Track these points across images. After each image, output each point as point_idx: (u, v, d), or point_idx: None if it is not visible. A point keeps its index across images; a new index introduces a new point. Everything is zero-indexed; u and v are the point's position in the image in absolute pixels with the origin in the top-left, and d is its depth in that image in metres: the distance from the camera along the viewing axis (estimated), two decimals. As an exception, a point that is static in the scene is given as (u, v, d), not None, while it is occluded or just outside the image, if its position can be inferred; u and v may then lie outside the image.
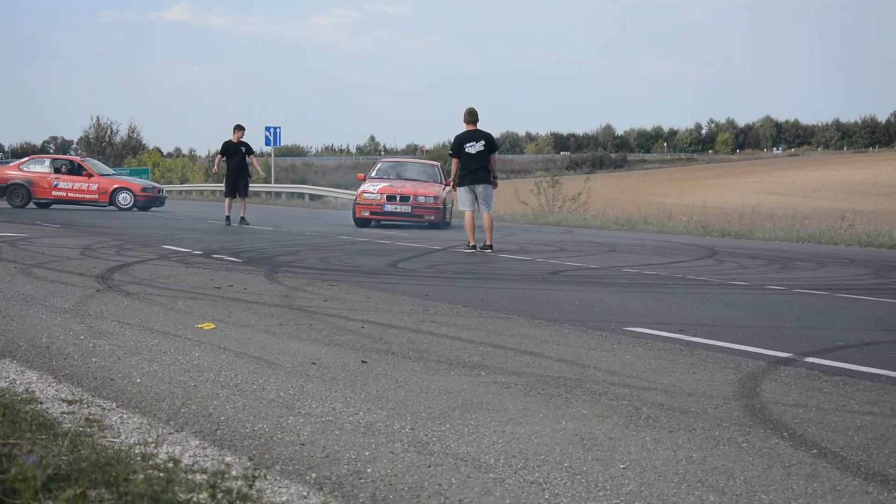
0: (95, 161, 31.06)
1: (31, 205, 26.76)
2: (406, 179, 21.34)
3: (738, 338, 6.32)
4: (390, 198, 20.03)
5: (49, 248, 12.01)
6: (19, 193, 26.77)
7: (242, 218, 19.71)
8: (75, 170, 27.30)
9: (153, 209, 27.58)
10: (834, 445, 3.86)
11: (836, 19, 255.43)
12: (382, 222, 20.73)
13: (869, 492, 3.32)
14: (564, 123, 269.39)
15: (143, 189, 27.79)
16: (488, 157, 13.62)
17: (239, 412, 4.21)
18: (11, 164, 28.52)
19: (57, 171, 27.06)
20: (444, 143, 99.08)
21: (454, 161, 13.70)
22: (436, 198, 20.23)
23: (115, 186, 27.28)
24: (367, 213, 20.25)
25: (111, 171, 30.63)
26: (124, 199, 26.95)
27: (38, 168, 27.25)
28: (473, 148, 13.54)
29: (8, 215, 21.80)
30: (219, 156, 20.12)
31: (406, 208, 20.05)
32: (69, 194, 26.88)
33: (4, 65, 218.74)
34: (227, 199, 20.17)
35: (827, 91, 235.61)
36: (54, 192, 26.84)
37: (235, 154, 19.82)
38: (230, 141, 19.84)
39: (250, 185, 21.82)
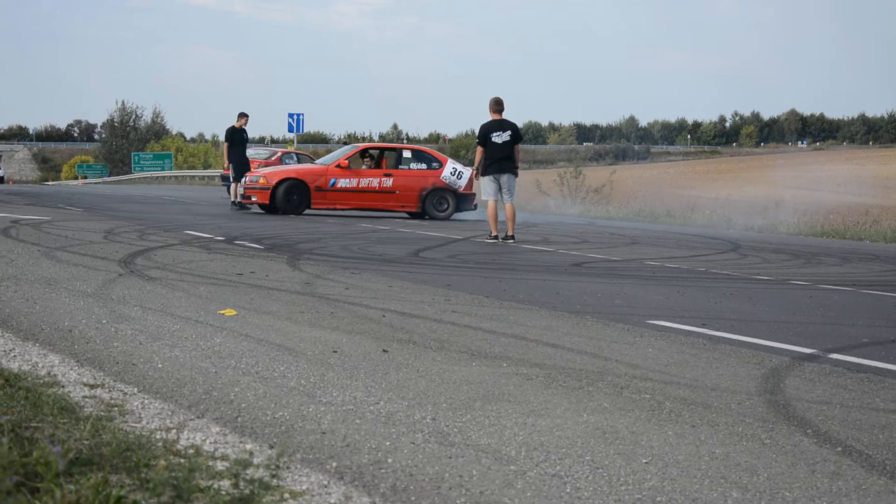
0: None
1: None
2: None
3: (761, 333, 6.28)
4: None
5: (72, 231, 12.06)
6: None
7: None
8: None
9: None
10: (858, 443, 3.82)
11: (863, 13, 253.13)
12: None
13: (894, 491, 3.29)
14: (588, 114, 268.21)
15: None
16: (513, 148, 13.60)
17: (260, 399, 4.21)
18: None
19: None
20: (467, 132, 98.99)
21: (479, 150, 13.66)
22: None
23: None
24: None
25: None
26: None
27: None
28: (500, 138, 13.51)
29: (31, 198, 21.92)
30: (226, 144, 20.31)
31: None
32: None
33: (30, 48, 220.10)
34: (234, 185, 20.25)
35: (853, 85, 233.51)
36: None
37: (241, 141, 20.13)
38: (234, 127, 20.07)
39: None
